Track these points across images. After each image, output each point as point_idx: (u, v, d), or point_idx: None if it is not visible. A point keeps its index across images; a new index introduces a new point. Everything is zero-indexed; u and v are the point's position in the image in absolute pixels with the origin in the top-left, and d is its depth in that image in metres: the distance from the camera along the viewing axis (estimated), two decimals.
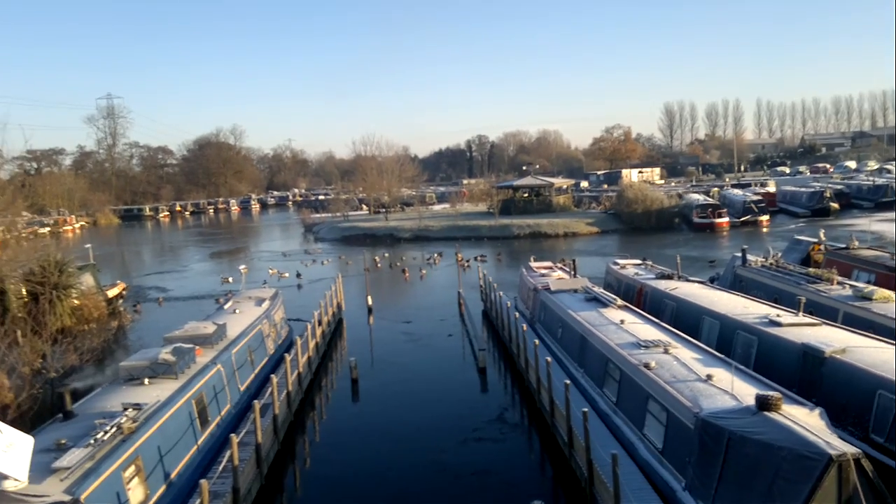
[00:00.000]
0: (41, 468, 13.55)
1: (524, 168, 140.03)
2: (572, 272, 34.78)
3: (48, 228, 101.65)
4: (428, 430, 22.35)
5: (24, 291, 33.84)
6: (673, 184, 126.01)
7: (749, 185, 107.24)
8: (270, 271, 58.23)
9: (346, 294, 42.11)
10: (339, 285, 41.05)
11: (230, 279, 54.73)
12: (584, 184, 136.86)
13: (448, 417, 23.41)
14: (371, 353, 33.20)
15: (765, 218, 77.60)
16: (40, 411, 19.87)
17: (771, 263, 31.60)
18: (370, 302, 42.16)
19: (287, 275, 57.05)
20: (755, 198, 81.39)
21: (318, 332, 31.59)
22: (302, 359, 26.78)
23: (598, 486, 16.04)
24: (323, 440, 23.26)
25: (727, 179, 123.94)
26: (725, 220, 75.78)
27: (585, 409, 17.34)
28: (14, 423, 15.25)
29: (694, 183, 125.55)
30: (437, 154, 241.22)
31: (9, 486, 12.35)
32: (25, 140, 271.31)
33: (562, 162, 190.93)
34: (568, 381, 19.56)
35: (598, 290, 29.43)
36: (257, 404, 19.42)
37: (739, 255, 33.68)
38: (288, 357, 24.40)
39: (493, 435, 21.97)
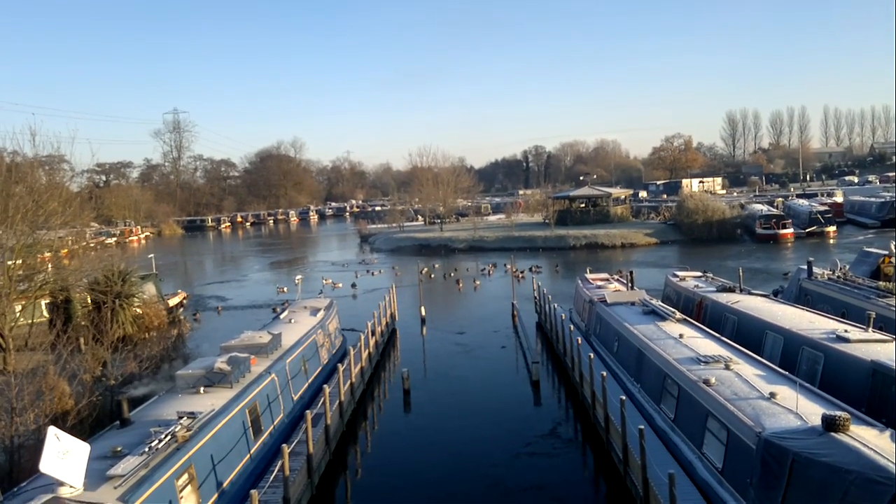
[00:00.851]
0: (96, 475, 13.78)
1: (581, 178, 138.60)
2: (629, 284, 34.06)
3: (114, 239, 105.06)
4: (480, 443, 22.07)
5: (88, 300, 34.90)
6: (735, 194, 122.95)
7: (815, 195, 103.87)
8: (325, 281, 58.85)
9: (399, 304, 42.19)
10: (393, 295, 41.15)
11: (285, 289, 55.50)
12: (643, 194, 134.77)
13: (500, 431, 23.08)
14: (424, 364, 33.10)
15: (832, 229, 75.05)
16: (99, 418, 20.34)
17: (838, 276, 30.35)
18: (423, 312, 42.13)
19: (341, 285, 57.61)
20: (821, 208, 78.77)
21: (372, 342, 31.65)
22: (355, 369, 26.83)
23: None
24: (374, 451, 23.22)
25: (792, 189, 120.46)
26: (790, 230, 73.51)
27: (642, 427, 16.84)
28: (73, 430, 15.61)
29: (757, 193, 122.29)
30: (493, 165, 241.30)
31: (64, 492, 12.58)
32: (93, 153, 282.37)
33: (620, 172, 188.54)
34: (624, 397, 19.04)
35: (657, 302, 28.71)
36: (309, 414, 19.48)
37: (805, 267, 32.46)
38: (341, 367, 24.45)
39: (547, 450, 21.55)
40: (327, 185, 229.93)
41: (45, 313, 35.05)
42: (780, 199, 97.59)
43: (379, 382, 30.37)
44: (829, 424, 13.15)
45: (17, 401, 17.48)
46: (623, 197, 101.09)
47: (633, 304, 28.93)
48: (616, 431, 19.18)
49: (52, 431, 13.41)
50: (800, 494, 12.57)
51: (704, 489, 15.85)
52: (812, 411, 14.48)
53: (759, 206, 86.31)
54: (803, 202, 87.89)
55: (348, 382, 25.37)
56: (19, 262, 32.23)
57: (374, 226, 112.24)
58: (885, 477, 11.27)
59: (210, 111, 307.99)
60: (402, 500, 18.70)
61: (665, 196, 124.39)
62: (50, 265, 38.49)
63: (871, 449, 12.25)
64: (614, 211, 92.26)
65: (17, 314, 30.91)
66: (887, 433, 13.20)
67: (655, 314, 26.44)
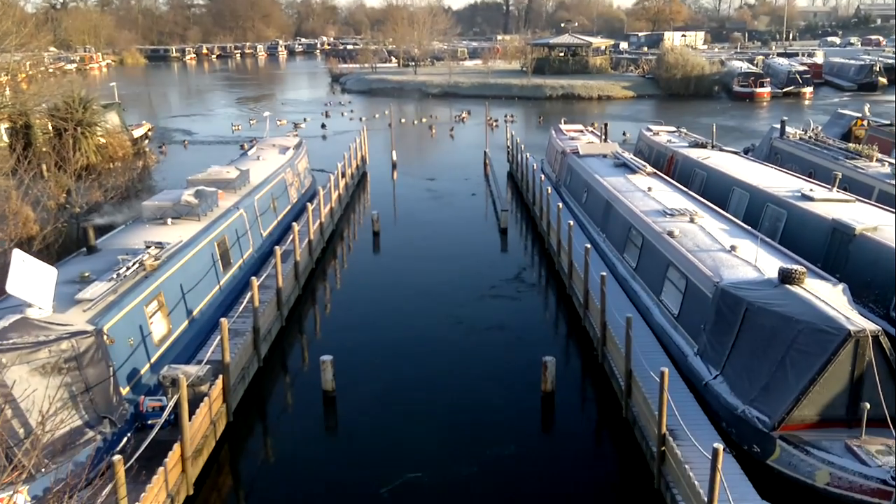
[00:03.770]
0: (65, 299, 13.88)
1: (562, 25, 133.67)
2: (603, 137, 33.87)
3: (74, 65, 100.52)
4: (446, 286, 22.60)
5: (49, 127, 33.80)
6: (716, 50, 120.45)
7: (796, 54, 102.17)
8: (279, 122, 56.10)
9: (370, 149, 41.62)
10: (364, 138, 40.50)
11: (240, 126, 54.65)
12: (624, 45, 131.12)
13: (467, 274, 23.60)
14: (394, 208, 33.21)
15: (808, 90, 74.62)
16: (65, 245, 20.23)
17: (810, 137, 30.44)
18: (395, 157, 41.71)
19: (303, 125, 55.95)
20: (800, 68, 77.85)
21: (342, 183, 31.46)
22: (324, 209, 26.80)
23: (610, 346, 16.24)
24: (343, 288, 23.70)
25: (773, 48, 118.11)
26: (767, 90, 72.89)
27: (604, 273, 17.31)
28: (39, 255, 15.57)
29: (738, 50, 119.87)
30: (471, 7, 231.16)
31: (32, 314, 12.66)
32: None
33: (602, 21, 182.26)
34: (589, 245, 19.45)
35: (628, 156, 28.70)
36: (278, 250, 19.61)
37: (778, 126, 32.44)
38: (310, 206, 24.39)
39: (510, 293, 22.18)
40: (297, 19, 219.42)
41: (5, 138, 33.98)
42: (761, 57, 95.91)
43: (349, 224, 30.51)
44: (785, 277, 13.60)
45: None
46: (603, 47, 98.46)
47: (605, 156, 28.89)
48: (578, 277, 19.71)
49: (18, 254, 13.31)
50: (750, 340, 13.18)
51: (659, 333, 16.59)
52: (770, 265, 14.92)
53: (738, 64, 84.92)
54: (783, 61, 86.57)
55: (318, 222, 25.42)
56: None
57: (345, 65, 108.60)
58: (832, 327, 11.80)
59: None
60: (369, 334, 19.28)
61: (646, 49, 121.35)
62: (7, 89, 36.91)
63: (823, 301, 12.76)
64: (593, 62, 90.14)
65: None
66: (840, 287, 13.72)
67: (626, 167, 26.49)
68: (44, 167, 24.82)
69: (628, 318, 14.21)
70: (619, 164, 27.16)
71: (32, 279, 13.12)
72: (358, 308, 21.26)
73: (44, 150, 28.88)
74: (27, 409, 11.26)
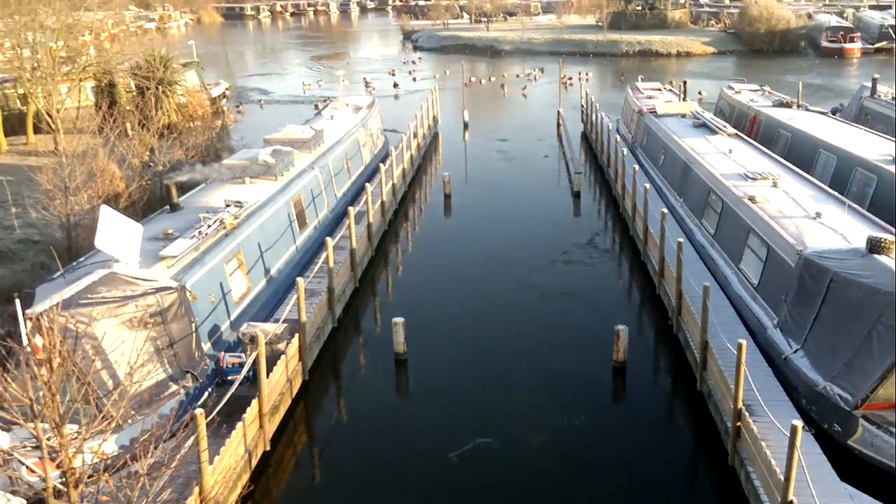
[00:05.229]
0: (150, 255, 14.43)
1: None
2: (682, 95, 32.77)
3: (154, 24, 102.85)
4: (518, 249, 22.49)
5: (132, 86, 34.78)
6: (803, 2, 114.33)
7: (889, 7, 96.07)
8: (343, 82, 55.95)
9: (442, 108, 41.37)
10: (436, 98, 40.24)
11: (310, 86, 55.12)
12: None
13: (539, 238, 23.42)
14: (465, 170, 33.06)
15: None
16: (149, 202, 20.93)
17: None
18: (466, 117, 41.37)
19: (375, 88, 55.57)
20: (894, 22, 73.18)
21: (414, 144, 31.46)
22: (397, 170, 26.89)
23: (685, 316, 15.91)
24: (415, 250, 23.86)
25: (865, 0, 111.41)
26: (857, 45, 68.96)
27: (681, 240, 16.90)
28: (124, 212, 16.12)
29: (827, 2, 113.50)
30: None
31: (119, 268, 13.17)
32: None
33: None
34: (665, 210, 18.97)
35: (708, 115, 27.76)
36: (352, 211, 19.84)
37: (868, 85, 30.70)
38: (383, 167, 24.52)
39: (583, 259, 21.92)
40: None
41: (91, 97, 35.16)
42: (851, 10, 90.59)
43: (420, 185, 30.56)
44: (874, 246, 13.00)
45: (70, 180, 17.96)
46: (682, 0, 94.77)
47: (683, 116, 28.04)
48: (654, 243, 19.29)
49: (106, 210, 13.84)
50: (834, 313, 12.70)
51: (737, 304, 16.14)
52: (858, 233, 14.28)
53: (826, 17, 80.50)
54: (875, 15, 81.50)
55: (390, 183, 25.55)
56: (61, 43, 31.88)
57: (417, 22, 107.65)
58: None
59: None
60: (440, 295, 19.43)
61: (728, 1, 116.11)
62: (91, 48, 38.09)
63: None
64: (672, 15, 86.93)
65: (64, 96, 31.07)
66: None
67: (706, 128, 25.66)
68: (128, 125, 25.60)
69: (705, 287, 13.88)
70: (698, 125, 26.31)
71: (120, 235, 13.65)
72: (429, 270, 21.40)
73: (127, 108, 29.79)
74: (115, 361, 11.83)
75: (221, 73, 63.19)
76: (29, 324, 11.59)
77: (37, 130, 31.86)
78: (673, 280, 16.72)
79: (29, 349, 11.00)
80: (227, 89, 48.50)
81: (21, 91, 32.61)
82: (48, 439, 8.16)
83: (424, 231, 25.64)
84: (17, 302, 11.78)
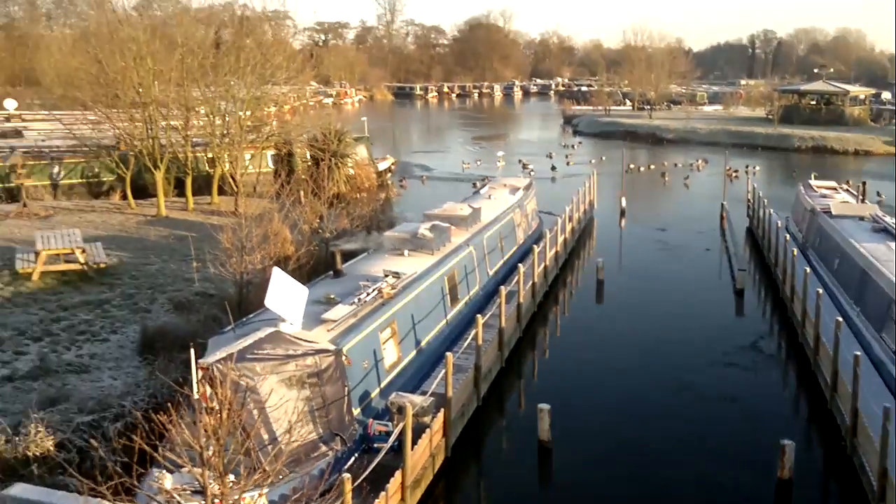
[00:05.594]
0: (312, 317, 15.08)
1: (815, 71, 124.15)
2: (860, 196, 30.75)
3: (331, 99, 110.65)
4: (673, 345, 21.55)
5: (308, 156, 37.35)
6: None
7: None
8: (499, 163, 58.11)
9: (599, 192, 41.14)
10: (594, 182, 40.12)
11: (469, 164, 56.97)
12: (887, 95, 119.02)
13: (696, 336, 22.36)
14: (620, 257, 32.47)
15: None
16: (314, 266, 22.02)
17: None
18: (624, 204, 40.86)
19: (533, 169, 56.09)
20: None
21: (568, 227, 31.35)
22: (550, 252, 26.84)
23: (861, 438, 14.46)
24: (563, 335, 23.47)
25: None
26: None
27: (858, 353, 15.52)
28: (292, 274, 16.97)
29: None
30: (713, 49, 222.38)
31: (285, 328, 13.84)
32: (314, 10, 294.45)
33: (862, 67, 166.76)
34: (840, 319, 17.58)
35: (889, 219, 25.80)
36: (503, 290, 19.89)
37: None
38: (536, 248, 24.54)
39: (745, 363, 20.59)
40: (533, 59, 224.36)
41: (271, 164, 38.04)
42: None
43: (572, 270, 30.26)
44: None
45: (247, 241, 19.27)
46: (863, 97, 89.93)
47: (861, 218, 26.25)
48: (826, 354, 17.84)
49: (277, 272, 14.67)
50: None
51: None
52: None
53: None
54: None
55: (542, 264, 25.48)
56: (248, 113, 34.97)
57: (578, 107, 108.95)
58: None
59: None
60: (586, 387, 18.86)
61: None
62: (274, 120, 41.45)
63: None
64: (850, 112, 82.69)
65: (247, 162, 33.83)
66: None
67: (887, 232, 23.87)
68: (301, 193, 27.36)
69: (886, 409, 12.57)
70: (878, 229, 24.51)
71: (287, 296, 14.38)
72: (577, 357, 20.91)
73: (302, 177, 31.94)
74: (275, 417, 12.29)
75: (388, 147, 66.52)
76: (200, 372, 12.32)
77: (220, 192, 34.79)
78: (848, 396, 15.32)
79: (197, 397, 11.66)
80: (392, 164, 50.90)
81: (210, 155, 35.80)
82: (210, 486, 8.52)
83: (574, 316, 25.22)
84: (192, 351, 12.58)
